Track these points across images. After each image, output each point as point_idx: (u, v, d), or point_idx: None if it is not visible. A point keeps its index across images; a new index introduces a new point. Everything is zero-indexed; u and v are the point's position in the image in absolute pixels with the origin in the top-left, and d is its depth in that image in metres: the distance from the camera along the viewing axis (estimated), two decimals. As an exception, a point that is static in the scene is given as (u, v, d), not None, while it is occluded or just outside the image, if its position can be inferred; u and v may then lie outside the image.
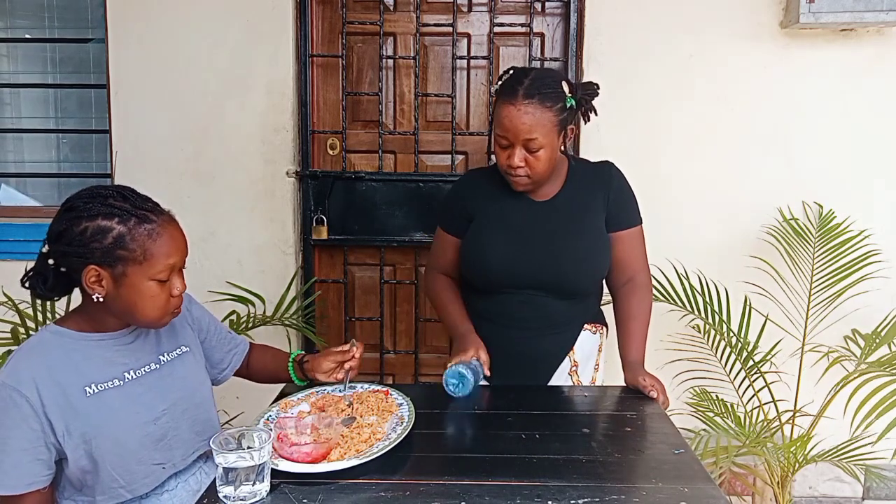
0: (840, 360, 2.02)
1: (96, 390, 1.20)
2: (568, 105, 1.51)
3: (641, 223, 1.67)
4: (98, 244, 1.15)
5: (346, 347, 1.45)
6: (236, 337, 1.54)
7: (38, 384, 1.15)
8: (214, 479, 1.07)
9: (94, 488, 1.21)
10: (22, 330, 2.03)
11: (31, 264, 1.22)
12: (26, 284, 1.23)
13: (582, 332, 1.67)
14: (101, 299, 1.18)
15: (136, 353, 1.27)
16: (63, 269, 1.20)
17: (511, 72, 1.53)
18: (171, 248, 1.20)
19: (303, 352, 1.52)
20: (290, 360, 1.50)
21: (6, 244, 2.62)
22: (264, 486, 1.06)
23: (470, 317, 1.66)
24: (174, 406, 1.28)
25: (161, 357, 1.31)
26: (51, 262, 1.19)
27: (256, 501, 1.04)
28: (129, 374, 1.24)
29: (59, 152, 2.87)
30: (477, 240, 1.62)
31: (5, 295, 2.05)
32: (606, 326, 1.75)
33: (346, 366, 1.44)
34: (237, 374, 1.55)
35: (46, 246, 1.20)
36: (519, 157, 1.48)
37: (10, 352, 2.00)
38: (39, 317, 2.07)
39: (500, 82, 1.54)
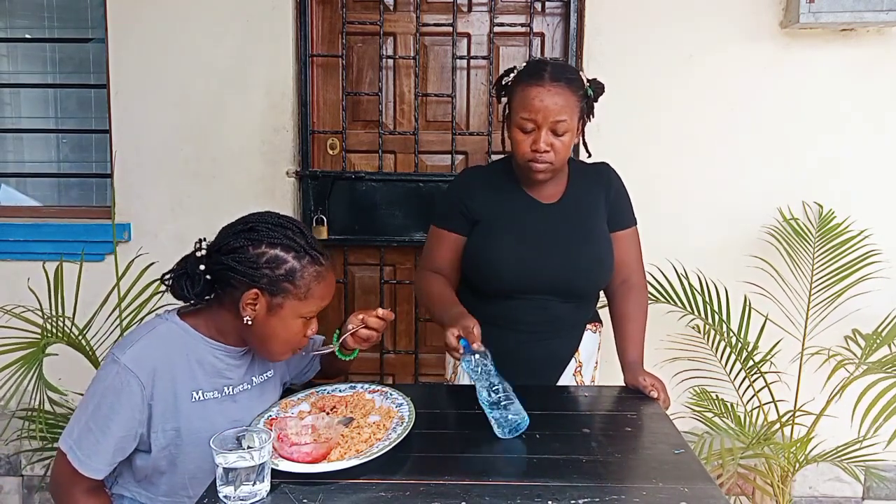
0: (843, 364, 2.01)
1: (201, 398, 1.21)
2: (588, 94, 1.50)
3: (636, 224, 1.67)
4: (270, 271, 1.17)
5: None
6: (316, 339, 1.49)
7: (156, 376, 1.16)
8: (214, 480, 1.06)
9: (160, 487, 1.22)
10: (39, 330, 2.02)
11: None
12: (170, 282, 1.22)
13: (584, 333, 1.67)
14: (249, 322, 1.19)
15: (239, 370, 1.28)
16: (209, 277, 1.19)
17: (524, 64, 1.52)
18: (327, 292, 1.24)
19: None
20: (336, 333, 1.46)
21: (6, 244, 2.61)
22: (264, 486, 1.06)
23: None
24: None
25: (253, 378, 1.32)
26: (202, 267, 1.19)
27: (256, 501, 1.04)
28: (227, 388, 1.26)
29: (59, 152, 2.86)
30: (488, 244, 1.56)
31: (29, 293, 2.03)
32: (601, 323, 1.75)
33: (361, 317, 1.36)
34: None
35: (205, 251, 1.20)
36: (546, 140, 1.44)
37: (20, 356, 1.95)
38: (35, 318, 2.07)
39: (511, 75, 1.52)
